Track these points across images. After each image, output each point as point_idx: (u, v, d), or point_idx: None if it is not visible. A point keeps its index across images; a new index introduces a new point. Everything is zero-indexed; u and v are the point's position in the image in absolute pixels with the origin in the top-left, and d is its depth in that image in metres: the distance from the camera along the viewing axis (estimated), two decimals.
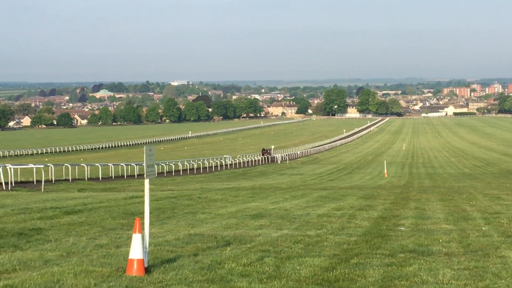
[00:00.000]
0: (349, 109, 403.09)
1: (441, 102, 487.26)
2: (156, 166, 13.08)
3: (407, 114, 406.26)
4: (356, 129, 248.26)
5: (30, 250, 14.12)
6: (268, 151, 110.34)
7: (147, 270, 11.71)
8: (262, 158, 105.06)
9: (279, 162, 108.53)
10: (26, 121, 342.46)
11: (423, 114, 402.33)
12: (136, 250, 11.50)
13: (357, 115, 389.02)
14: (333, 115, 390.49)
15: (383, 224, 20.23)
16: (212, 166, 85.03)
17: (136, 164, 64.46)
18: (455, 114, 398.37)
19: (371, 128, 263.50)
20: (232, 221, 20.41)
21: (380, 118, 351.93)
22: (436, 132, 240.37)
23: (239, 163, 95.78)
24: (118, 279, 11.07)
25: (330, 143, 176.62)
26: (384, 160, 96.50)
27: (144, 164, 12.21)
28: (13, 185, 39.25)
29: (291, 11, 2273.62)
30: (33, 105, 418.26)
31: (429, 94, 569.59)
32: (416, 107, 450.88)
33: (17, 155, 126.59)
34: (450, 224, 20.35)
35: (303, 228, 18.77)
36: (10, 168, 40.22)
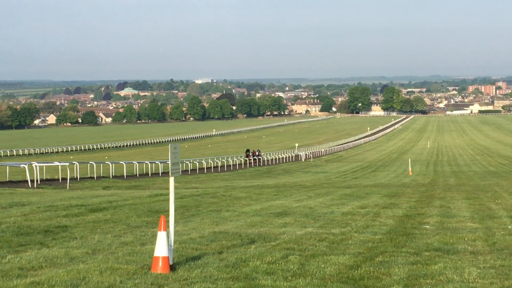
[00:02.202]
0: (373, 107, 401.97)
1: (466, 100, 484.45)
2: (180, 164, 13.11)
3: (432, 112, 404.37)
4: (381, 127, 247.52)
5: (56, 247, 14.20)
6: (256, 153, 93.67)
7: (172, 268, 11.74)
8: (245, 160, 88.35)
9: (303, 160, 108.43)
10: (51, 119, 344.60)
11: (448, 112, 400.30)
12: (161, 248, 11.53)
13: (381, 113, 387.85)
14: (357, 113, 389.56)
15: (408, 222, 20.15)
16: (236, 164, 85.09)
17: (161, 162, 64.63)
18: (480, 112, 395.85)
19: (396, 126, 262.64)
20: (257, 219, 20.41)
21: (405, 116, 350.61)
22: (461, 130, 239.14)
23: (263, 161, 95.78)
24: (143, 276, 11.11)
25: (354, 141, 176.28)
26: (408, 158, 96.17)
27: (169, 162, 12.25)
28: (39, 182, 39.45)
29: (315, 8, 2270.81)
30: (58, 103, 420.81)
31: (454, 92, 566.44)
32: (441, 105, 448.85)
33: (42, 153, 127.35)
34: (475, 223, 20.24)
35: (327, 226, 18.74)
36: (35, 166, 40.42)
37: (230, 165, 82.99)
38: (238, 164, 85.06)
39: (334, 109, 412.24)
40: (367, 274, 11.70)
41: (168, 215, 12.45)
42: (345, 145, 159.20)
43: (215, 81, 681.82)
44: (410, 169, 73.60)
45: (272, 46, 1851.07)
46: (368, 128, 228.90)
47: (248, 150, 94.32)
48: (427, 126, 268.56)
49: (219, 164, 79.82)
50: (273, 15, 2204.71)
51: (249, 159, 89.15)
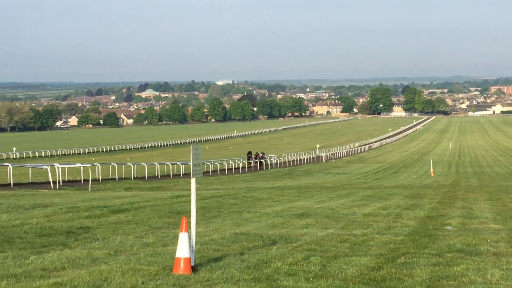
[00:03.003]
0: (395, 108, 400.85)
1: (488, 101, 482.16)
2: (202, 165, 13.13)
3: (454, 112, 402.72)
4: (402, 128, 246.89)
5: (78, 248, 14.26)
6: (260, 155, 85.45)
7: (194, 269, 11.76)
8: (248, 163, 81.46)
9: (324, 161, 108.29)
10: (73, 120, 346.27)
11: (470, 113, 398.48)
12: (183, 249, 11.55)
13: (403, 114, 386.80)
14: (379, 114, 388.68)
15: (430, 223, 20.08)
16: (257, 165, 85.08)
17: (182, 163, 64.78)
18: (502, 112, 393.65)
19: (417, 127, 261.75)
20: (278, 220, 20.41)
21: (426, 117, 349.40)
22: (483, 130, 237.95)
23: (284, 162, 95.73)
24: (165, 277, 11.14)
25: (375, 142, 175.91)
26: (430, 159, 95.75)
27: (191, 163, 12.26)
28: (61, 184, 39.65)
29: (337, 9, 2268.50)
30: (80, 105, 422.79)
31: (476, 93, 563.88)
32: (463, 106, 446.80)
33: (64, 155, 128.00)
34: (498, 224, 20.13)
35: (349, 227, 18.70)
36: (58, 167, 40.63)
37: (251, 166, 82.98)
38: (258, 166, 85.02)
39: (355, 110, 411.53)
40: (389, 275, 11.67)
41: (189, 216, 12.46)
42: (366, 146, 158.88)
43: (236, 82, 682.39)
44: (432, 170, 73.30)
45: (293, 47, 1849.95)
46: (390, 129, 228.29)
47: (249, 153, 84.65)
48: (449, 127, 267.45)
49: (240, 165, 79.90)
50: (294, 16, 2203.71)
51: (249, 163, 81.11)
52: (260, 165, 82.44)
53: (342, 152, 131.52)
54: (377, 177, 65.54)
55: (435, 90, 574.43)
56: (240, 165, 77.03)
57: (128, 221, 19.45)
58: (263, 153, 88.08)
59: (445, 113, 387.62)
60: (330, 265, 12.49)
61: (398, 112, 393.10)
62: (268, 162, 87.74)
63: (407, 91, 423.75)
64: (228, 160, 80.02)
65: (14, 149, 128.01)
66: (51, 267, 11.90)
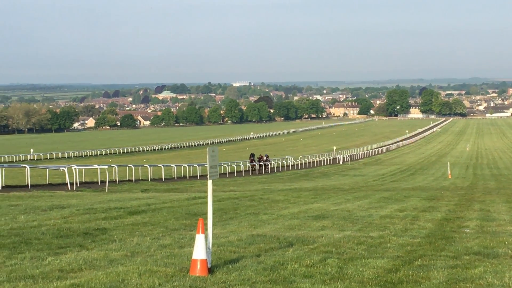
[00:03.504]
0: (412, 110, 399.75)
1: (506, 102, 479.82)
2: (218, 167, 13.14)
3: (471, 114, 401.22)
4: (419, 130, 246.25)
5: (96, 249, 14.30)
6: (263, 158, 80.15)
7: (211, 271, 11.77)
8: (252, 166, 76.46)
9: (341, 163, 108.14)
10: (90, 122, 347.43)
11: (488, 115, 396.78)
12: (200, 251, 11.56)
13: (420, 115, 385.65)
14: (396, 115, 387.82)
15: (447, 225, 20.01)
16: (273, 167, 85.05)
17: (199, 165, 64.86)
18: None
19: (434, 129, 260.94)
20: (295, 222, 20.40)
21: (444, 119, 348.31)
22: (501, 132, 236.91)
23: (301, 164, 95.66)
24: (182, 279, 11.15)
25: (392, 144, 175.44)
26: (447, 161, 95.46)
27: (208, 165, 12.28)
28: (78, 185, 39.77)
29: (352, 11, 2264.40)
30: (97, 106, 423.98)
31: (494, 94, 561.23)
32: (481, 108, 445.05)
33: (81, 156, 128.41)
34: None
35: (365, 230, 18.66)
36: (75, 168, 40.75)
37: (268, 168, 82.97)
38: (276, 167, 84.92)
39: (372, 112, 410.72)
40: (406, 277, 11.64)
41: (206, 218, 12.47)
42: (383, 148, 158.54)
43: (252, 84, 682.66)
44: (449, 172, 73.05)
45: (310, 49, 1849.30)
46: (407, 131, 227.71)
47: (252, 155, 79.25)
48: (466, 129, 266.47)
49: (257, 167, 79.82)
50: (311, 18, 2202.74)
51: (253, 166, 76.12)
52: (265, 168, 78.22)
53: (359, 154, 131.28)
54: (394, 179, 65.37)
55: (453, 92, 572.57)
56: (242, 167, 76.42)
57: (144, 222, 19.49)
58: (267, 156, 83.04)
59: (463, 115, 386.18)
60: (346, 267, 12.47)
61: (415, 114, 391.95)
62: (274, 164, 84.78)
63: (424, 92, 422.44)
64: (245, 161, 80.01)
65: (32, 150, 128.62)
66: (68, 268, 11.94)
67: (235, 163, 77.12)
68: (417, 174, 76.56)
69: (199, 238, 11.60)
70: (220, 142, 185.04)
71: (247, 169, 75.64)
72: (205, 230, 11.82)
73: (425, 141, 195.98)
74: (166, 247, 14.72)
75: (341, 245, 15.37)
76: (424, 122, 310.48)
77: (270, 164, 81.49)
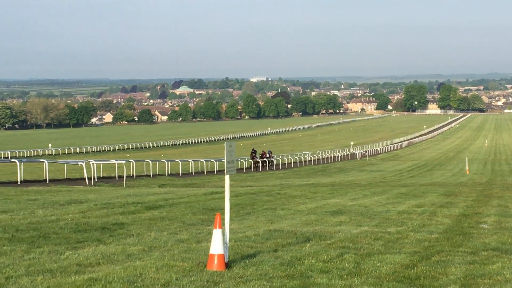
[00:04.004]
0: (430, 105, 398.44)
1: None
2: (236, 162, 13.15)
3: (490, 110, 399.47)
4: (437, 125, 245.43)
5: (113, 244, 14.34)
6: (266, 154, 77.27)
7: (228, 265, 11.78)
8: (254, 162, 73.17)
9: (358, 158, 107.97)
10: (108, 117, 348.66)
11: (506, 110, 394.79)
12: (217, 245, 11.58)
13: (438, 111, 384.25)
14: (413, 111, 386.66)
15: (465, 221, 19.94)
16: (291, 162, 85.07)
17: (216, 160, 64.94)
18: None
19: (452, 124, 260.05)
20: (312, 217, 20.38)
21: (462, 114, 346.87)
22: None
23: (318, 159, 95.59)
24: (199, 273, 11.17)
25: (410, 139, 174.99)
26: (465, 156, 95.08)
27: (225, 160, 12.29)
28: (96, 180, 39.90)
29: (369, 7, 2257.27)
30: (114, 101, 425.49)
31: None
32: (499, 103, 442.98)
33: (99, 151, 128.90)
34: None
35: (383, 225, 18.63)
36: (93, 163, 40.89)
37: (285, 163, 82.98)
38: (293, 163, 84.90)
39: (390, 107, 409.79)
40: (423, 273, 11.61)
41: (223, 213, 12.49)
42: (401, 143, 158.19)
43: (270, 79, 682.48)
44: (467, 167, 72.78)
45: (328, 44, 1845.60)
46: (425, 127, 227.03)
47: (254, 151, 75.68)
48: (484, 124, 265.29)
49: (274, 162, 79.82)
50: (328, 14, 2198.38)
51: (256, 162, 73.04)
52: (269, 165, 75.46)
53: (376, 149, 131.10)
54: (411, 175, 65.21)
55: (471, 87, 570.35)
56: (245, 164, 75.64)
57: (162, 217, 19.53)
58: (271, 152, 79.68)
59: (481, 110, 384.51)
60: (364, 263, 12.46)
61: (433, 109, 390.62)
62: (280, 161, 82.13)
63: (442, 88, 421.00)
64: (247, 158, 79.99)
65: (50, 145, 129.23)
66: (86, 263, 11.98)
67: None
68: (435, 170, 76.32)
69: (216, 233, 11.61)
70: (237, 137, 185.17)
71: (249, 166, 72.84)
72: (222, 225, 11.83)
73: (443, 137, 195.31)
74: (183, 242, 14.75)
75: (358, 240, 15.35)
76: (442, 118, 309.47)
77: (275, 160, 79.14)
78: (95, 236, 15.39)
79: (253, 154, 73.87)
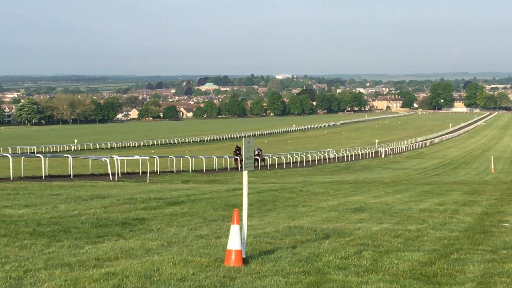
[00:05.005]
0: (456, 103, 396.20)
1: None
2: (254, 158, 13.18)
3: None
4: (463, 124, 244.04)
5: (133, 239, 14.43)
6: (255, 152, 64.50)
7: (245, 261, 11.81)
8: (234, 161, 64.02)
9: (383, 156, 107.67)
10: (134, 113, 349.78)
11: None
12: (234, 241, 11.62)
13: (464, 109, 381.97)
14: (439, 109, 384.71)
15: (487, 220, 19.86)
16: (315, 160, 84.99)
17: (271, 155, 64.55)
18: None
19: (479, 123, 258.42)
20: (333, 214, 20.39)
21: (488, 113, 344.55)
22: None
23: (343, 156, 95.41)
24: (216, 269, 11.21)
25: (435, 137, 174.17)
26: (491, 155, 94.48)
27: (243, 156, 12.33)
28: (120, 176, 40.09)
29: (395, 3, 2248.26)
30: (140, 98, 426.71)
31: None
32: None
33: (124, 147, 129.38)
34: None
35: (403, 223, 18.60)
36: (117, 159, 41.07)
37: (310, 160, 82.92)
38: (317, 160, 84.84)
39: (415, 105, 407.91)
40: (440, 271, 11.58)
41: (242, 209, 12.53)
42: (426, 141, 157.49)
43: (295, 76, 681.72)
44: (492, 166, 72.33)
45: (353, 41, 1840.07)
46: (450, 125, 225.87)
47: (238, 148, 64.59)
48: (511, 123, 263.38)
49: (298, 159, 79.83)
50: (354, 11, 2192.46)
51: (236, 160, 63.09)
52: (259, 164, 65.97)
53: (401, 147, 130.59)
54: (436, 173, 64.95)
55: (498, 86, 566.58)
56: (299, 159, 75.95)
57: (183, 213, 19.62)
58: (260, 150, 70.53)
59: (508, 109, 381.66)
60: (381, 260, 12.45)
61: (459, 107, 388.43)
62: (276, 160, 74.20)
63: (468, 86, 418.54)
64: (286, 154, 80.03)
65: (76, 141, 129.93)
66: (104, 257, 12.07)
67: (276, 155, 77.15)
68: (460, 168, 75.97)
69: (234, 229, 11.65)
70: (262, 134, 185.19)
71: (233, 166, 62.84)
72: (240, 221, 11.88)
73: (468, 135, 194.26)
74: (202, 238, 14.81)
75: (377, 237, 15.34)
76: (468, 116, 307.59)
77: (262, 159, 69.86)
78: (116, 231, 15.49)
79: (237, 152, 64.23)
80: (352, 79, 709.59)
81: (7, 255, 12.11)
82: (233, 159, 64.24)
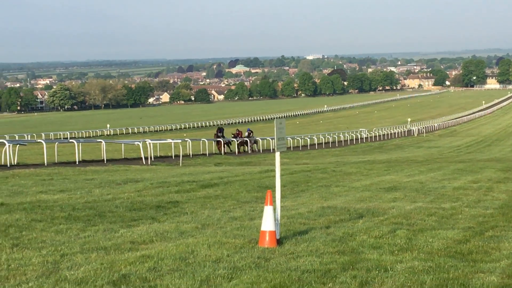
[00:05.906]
0: (489, 80, 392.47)
1: None
2: (286, 139, 13.19)
3: None
4: (496, 101, 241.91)
5: (167, 222, 14.51)
6: (239, 134, 60.77)
7: (279, 242, 11.84)
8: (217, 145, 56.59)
9: (415, 135, 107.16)
10: (165, 97, 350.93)
11: None
12: (268, 222, 11.64)
13: (497, 86, 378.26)
14: (472, 86, 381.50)
15: None
16: (347, 140, 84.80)
17: (272, 138, 64.94)
18: None
19: None
20: (366, 194, 20.35)
21: None
22: None
23: (375, 136, 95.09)
24: (250, 250, 11.25)
25: (468, 115, 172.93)
26: None
27: (275, 138, 12.35)
28: (153, 159, 40.28)
29: None
30: (171, 81, 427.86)
31: None
32: None
33: (156, 131, 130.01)
34: None
35: (437, 201, 18.52)
36: (149, 143, 41.28)
37: (342, 140, 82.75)
38: (350, 140, 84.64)
39: (447, 83, 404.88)
40: (475, 248, 11.53)
41: (275, 190, 12.55)
42: (459, 119, 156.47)
43: (326, 56, 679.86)
44: None
45: (384, 20, 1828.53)
46: (483, 102, 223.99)
47: (220, 130, 57.65)
48: None
49: (330, 140, 79.70)
50: None
51: (219, 144, 56.07)
52: (246, 146, 60.02)
53: (434, 125, 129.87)
54: (469, 151, 64.55)
55: None
56: (331, 139, 75.88)
57: (216, 195, 19.68)
58: (251, 132, 62.00)
59: None
60: (416, 238, 12.41)
61: (492, 84, 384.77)
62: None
63: (501, 62, 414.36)
64: (319, 134, 79.92)
65: (108, 125, 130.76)
66: (139, 240, 12.16)
67: (309, 136, 77.08)
68: (494, 146, 75.42)
69: (267, 210, 11.68)
70: (293, 115, 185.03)
71: (215, 151, 55.55)
72: (273, 202, 11.89)
73: (502, 112, 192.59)
74: (236, 219, 14.85)
75: (411, 216, 15.30)
76: (501, 93, 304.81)
77: (255, 141, 62.85)
78: (150, 214, 15.59)
79: (218, 134, 56.62)
80: (383, 58, 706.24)
81: (43, 240, 12.24)
82: (214, 142, 56.78)
